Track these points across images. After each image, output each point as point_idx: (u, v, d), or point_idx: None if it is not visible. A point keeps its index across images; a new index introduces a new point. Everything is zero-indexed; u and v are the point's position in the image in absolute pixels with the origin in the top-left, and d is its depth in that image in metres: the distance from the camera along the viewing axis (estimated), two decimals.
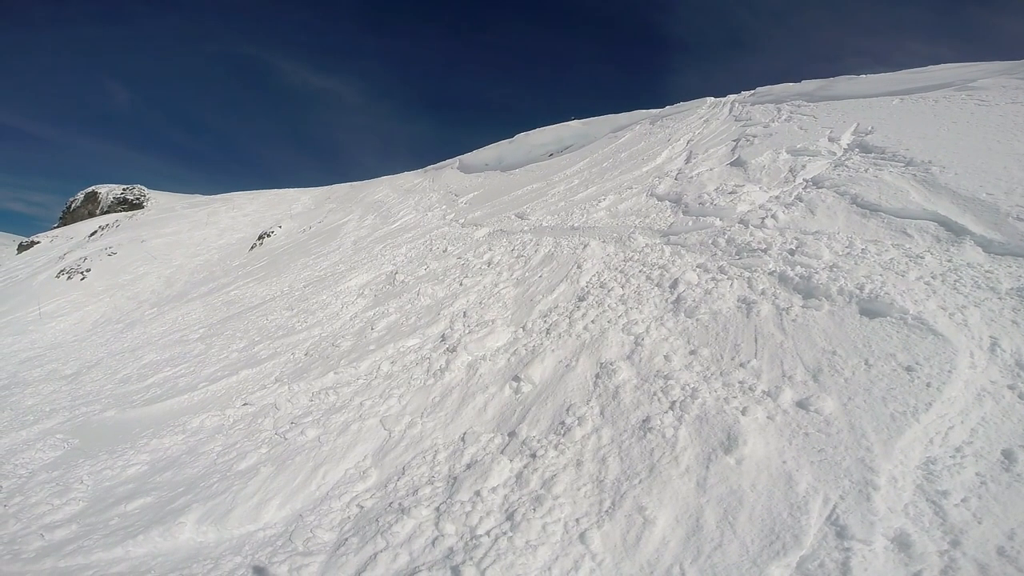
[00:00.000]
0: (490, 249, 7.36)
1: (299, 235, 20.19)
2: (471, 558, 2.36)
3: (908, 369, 2.54)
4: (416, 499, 2.92)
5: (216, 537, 3.28)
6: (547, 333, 4.24)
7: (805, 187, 5.23)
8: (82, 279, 23.07)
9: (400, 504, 2.92)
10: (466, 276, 6.57)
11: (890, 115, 6.93)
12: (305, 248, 15.76)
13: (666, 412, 2.82)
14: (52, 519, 3.98)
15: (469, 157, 24.60)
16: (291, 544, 2.94)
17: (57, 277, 23.91)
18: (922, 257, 3.49)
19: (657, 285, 4.30)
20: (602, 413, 3.05)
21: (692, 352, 3.29)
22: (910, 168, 4.82)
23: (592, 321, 4.10)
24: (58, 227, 39.39)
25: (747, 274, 3.92)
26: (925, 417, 2.27)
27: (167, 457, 4.57)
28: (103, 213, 39.31)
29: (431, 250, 8.87)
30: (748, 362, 2.99)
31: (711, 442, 2.52)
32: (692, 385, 2.98)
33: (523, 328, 4.54)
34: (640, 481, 2.45)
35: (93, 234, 31.62)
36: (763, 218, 4.74)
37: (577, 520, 2.39)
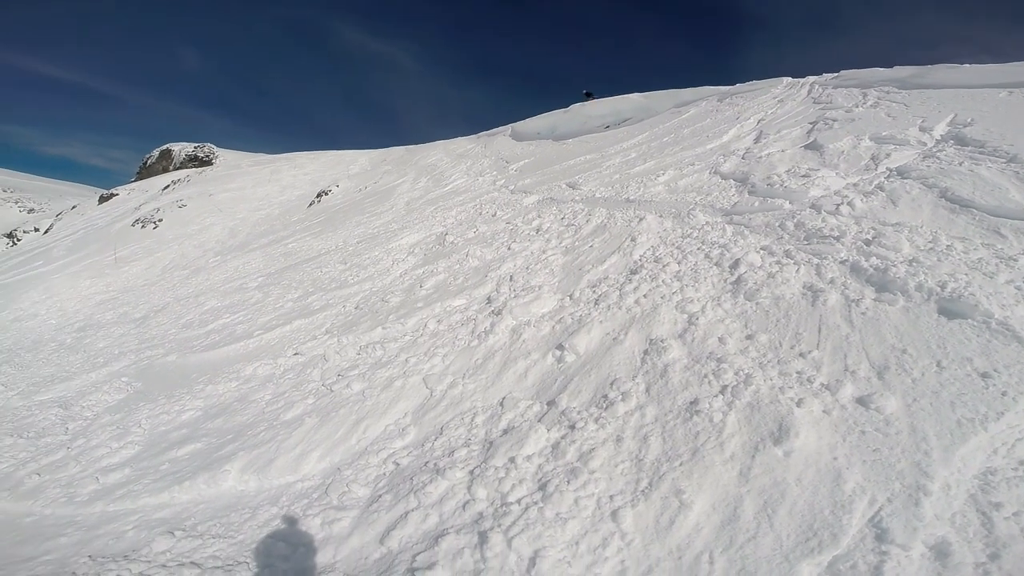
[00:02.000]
0: (539, 216, 7.29)
1: (355, 194, 20.74)
2: (499, 525, 2.37)
3: (984, 376, 2.36)
4: (451, 460, 2.96)
5: (257, 486, 3.44)
6: (595, 304, 4.14)
7: (888, 176, 4.80)
8: (155, 228, 24.82)
9: (435, 464, 2.98)
10: (514, 241, 6.56)
11: (995, 108, 6.18)
12: (360, 207, 16.19)
13: (716, 396, 2.69)
14: (108, 462, 4.31)
15: (521, 125, 24.32)
16: (326, 497, 3.05)
17: (132, 226, 25.84)
18: (1015, 260, 3.14)
19: (716, 264, 4.09)
20: (648, 391, 2.96)
21: (749, 337, 3.11)
22: (1012, 165, 4.31)
23: (644, 295, 3.95)
24: (135, 181, 42.31)
25: (816, 260, 3.65)
26: (994, 427, 2.13)
27: (220, 404, 4.84)
28: (176, 169, 41.83)
29: (480, 214, 8.93)
30: (809, 352, 2.81)
31: (760, 431, 2.40)
32: (746, 371, 2.82)
33: (570, 297, 4.45)
34: (681, 464, 2.37)
35: (166, 188, 33.77)
36: (838, 205, 4.40)
37: (611, 497, 2.35)
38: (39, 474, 4.35)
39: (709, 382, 2.83)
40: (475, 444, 3.07)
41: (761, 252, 4.03)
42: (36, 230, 34.36)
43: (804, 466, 2.17)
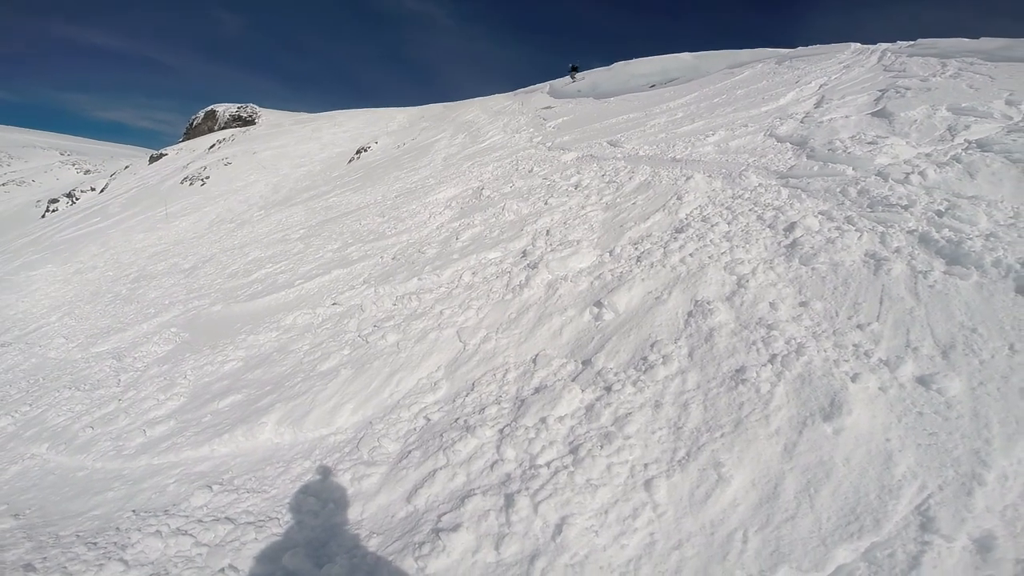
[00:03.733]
0: (578, 172, 7.08)
1: (393, 150, 20.92)
2: (527, 488, 2.33)
3: None
4: (481, 418, 2.93)
5: (291, 439, 3.53)
6: (637, 261, 3.97)
7: (966, 148, 4.36)
8: (202, 185, 25.80)
9: (465, 421, 2.96)
10: (551, 196, 6.41)
11: None
12: (398, 163, 16.34)
13: (764, 365, 2.53)
14: (155, 415, 4.51)
15: (560, 83, 23.63)
16: (357, 452, 3.09)
17: (181, 183, 26.96)
18: None
19: (769, 226, 3.84)
20: (691, 355, 2.81)
21: (803, 303, 2.90)
22: None
23: (690, 255, 3.76)
24: (182, 141, 43.74)
25: (880, 228, 3.35)
26: None
27: (260, 354, 5.00)
28: (220, 129, 42.85)
29: (517, 169, 8.81)
30: (868, 324, 2.59)
31: (810, 406, 2.25)
32: (798, 340, 2.63)
33: (610, 253, 4.29)
34: (722, 435, 2.25)
35: (212, 147, 34.83)
36: (908, 174, 4.04)
37: (645, 465, 2.25)
38: (92, 427, 4.61)
39: (758, 350, 2.66)
40: (506, 402, 3.03)
41: (820, 217, 3.74)
42: (93, 189, 36.16)
43: (854, 446, 2.03)
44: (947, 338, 2.38)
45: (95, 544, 2.95)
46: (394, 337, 4.25)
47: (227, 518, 2.87)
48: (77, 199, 35.02)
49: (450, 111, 28.31)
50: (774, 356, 2.58)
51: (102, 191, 34.77)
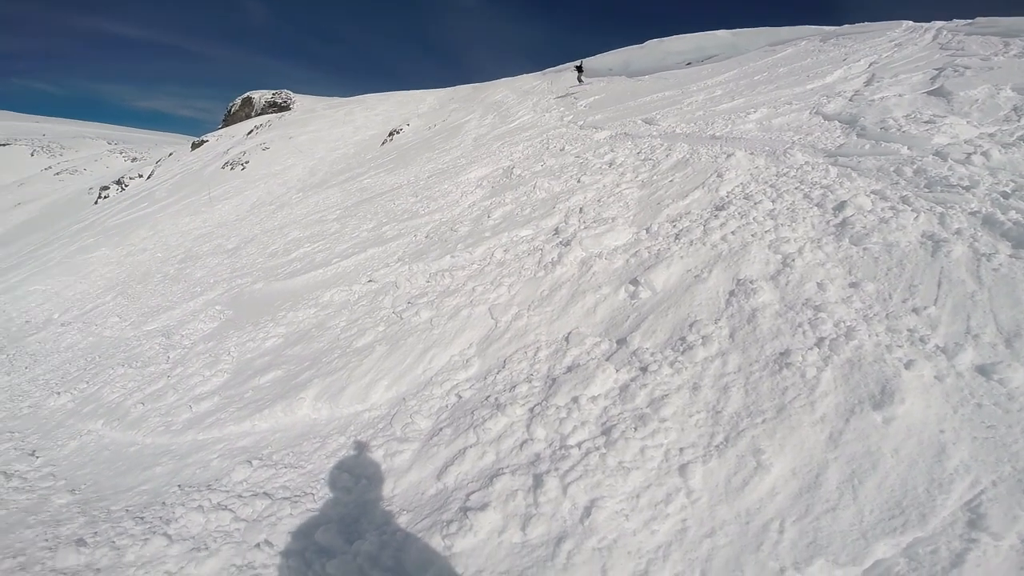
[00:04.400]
0: (612, 150, 6.94)
1: (425, 132, 21.13)
2: (556, 469, 2.29)
3: None
4: (512, 396, 2.91)
5: (328, 415, 3.60)
6: (675, 238, 3.85)
7: None
8: (242, 169, 26.61)
9: (496, 399, 2.94)
10: (584, 174, 6.30)
11: None
12: (430, 144, 16.48)
13: (811, 349, 2.40)
14: (201, 391, 4.70)
15: (591, 61, 23.13)
16: (390, 428, 3.13)
17: (223, 168, 27.89)
18: None
19: (817, 205, 3.66)
20: (732, 336, 2.70)
21: (853, 285, 2.75)
22: None
23: (732, 232, 3.61)
24: (221, 128, 45.04)
25: (939, 209, 3.14)
26: None
27: (299, 331, 5.14)
28: (257, 115, 43.98)
29: (548, 148, 8.72)
30: (924, 308, 2.42)
31: (859, 392, 2.12)
32: (848, 323, 2.49)
33: (647, 230, 4.18)
34: (763, 421, 2.15)
35: (250, 133, 35.79)
36: (969, 154, 3.78)
37: (681, 450, 2.18)
38: (143, 403, 4.84)
39: (804, 332, 2.52)
40: (537, 380, 3.00)
41: (872, 196, 3.53)
42: (140, 176, 37.78)
43: (904, 436, 1.91)
44: (1012, 325, 2.21)
45: (142, 519, 3.09)
46: (427, 314, 4.30)
47: (265, 493, 2.96)
48: (126, 186, 36.68)
49: (479, 92, 28.24)
50: (821, 339, 2.45)
51: (149, 177, 36.31)
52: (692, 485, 2.03)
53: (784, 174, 4.34)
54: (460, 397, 3.18)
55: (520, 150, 9.51)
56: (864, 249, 2.99)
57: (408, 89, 37.38)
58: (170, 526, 2.92)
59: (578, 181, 6.15)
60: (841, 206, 3.50)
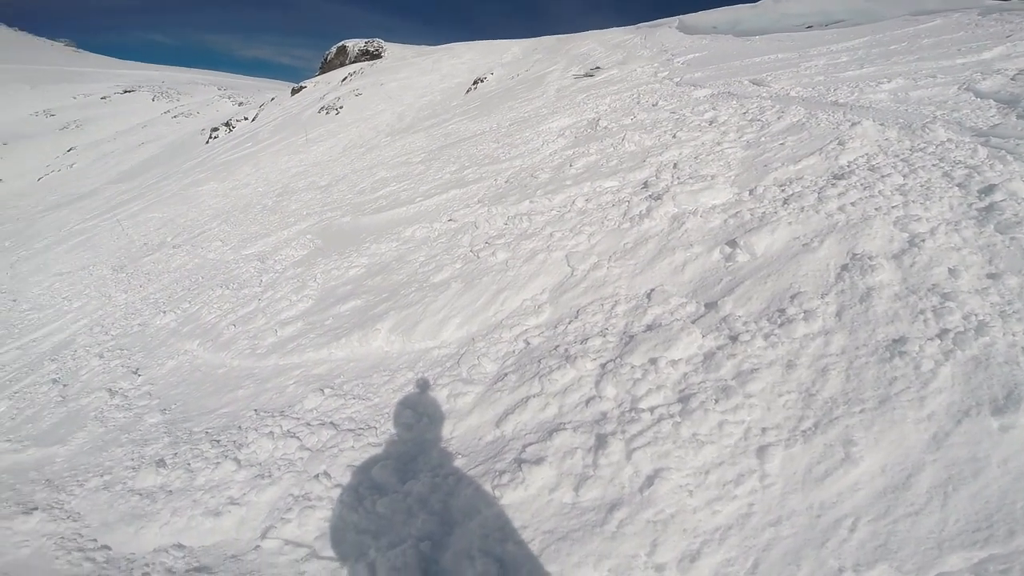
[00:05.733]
0: (713, 108, 6.38)
1: (508, 81, 21.11)
2: (623, 432, 2.16)
3: None
4: (583, 349, 2.78)
5: (400, 348, 3.65)
6: (783, 203, 3.46)
7: None
8: (336, 114, 27.83)
9: (566, 350, 2.83)
10: (680, 130, 5.86)
11: None
12: (512, 93, 16.46)
13: (931, 339, 2.06)
14: (287, 315, 4.90)
15: (693, 18, 21.38)
16: (457, 368, 3.11)
17: (319, 113, 29.33)
18: None
19: (959, 185, 3.10)
20: (839, 315, 2.38)
21: (992, 276, 2.30)
22: None
23: (852, 203, 3.16)
24: (318, 75, 46.94)
25: None
26: None
27: (380, 262, 5.29)
28: (351, 63, 45.34)
29: (639, 103, 8.25)
30: None
31: (979, 394, 1.81)
32: (980, 316, 2.10)
33: (750, 192, 3.80)
34: (862, 411, 1.90)
35: (344, 79, 37.15)
36: None
37: (763, 430, 1.98)
38: (235, 325, 5.13)
39: (925, 320, 2.17)
40: (612, 335, 2.84)
41: None
42: (246, 119, 40.43)
43: (1019, 448, 1.64)
44: None
45: (218, 442, 3.26)
46: (504, 255, 4.26)
47: (332, 423, 3.04)
48: (233, 127, 39.52)
49: (564, 43, 27.45)
50: (945, 331, 2.10)
51: (253, 120, 38.86)
52: (768, 469, 1.85)
53: (920, 149, 3.73)
54: (528, 344, 3.10)
55: (607, 103, 9.09)
56: (1012, 239, 2.48)
57: (493, 39, 36.98)
58: (241, 451, 3.06)
59: (673, 136, 5.73)
60: (989, 189, 2.93)
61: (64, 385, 5.15)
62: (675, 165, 4.82)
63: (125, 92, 76.22)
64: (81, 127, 63.31)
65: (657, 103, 7.72)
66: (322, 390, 3.39)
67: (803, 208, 3.28)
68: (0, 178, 49.55)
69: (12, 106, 72.62)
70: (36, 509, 3.10)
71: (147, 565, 2.50)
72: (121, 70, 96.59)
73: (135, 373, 4.89)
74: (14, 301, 10.12)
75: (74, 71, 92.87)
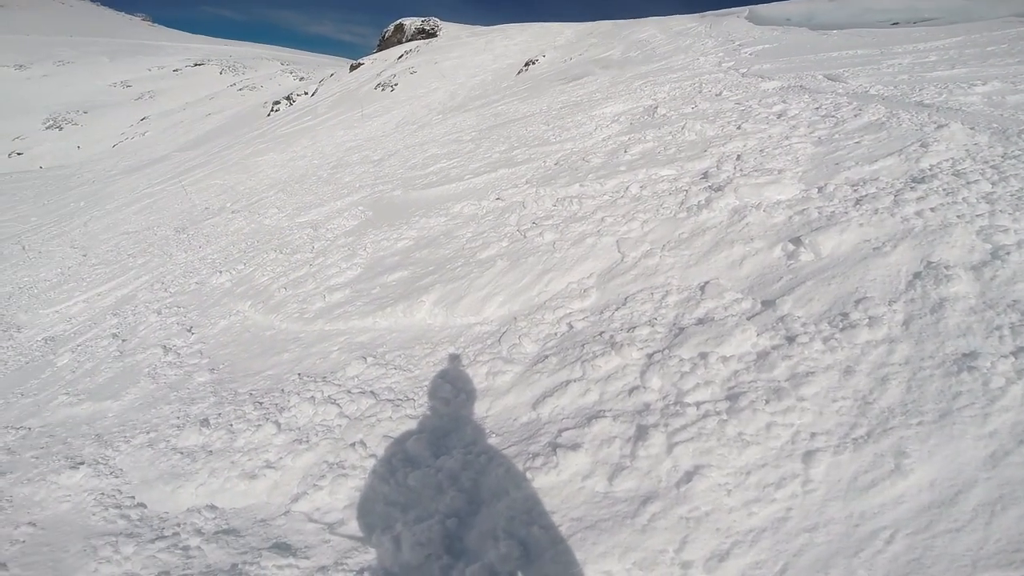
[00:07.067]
0: (783, 102, 6.06)
1: (560, 64, 20.94)
2: (665, 425, 2.11)
3: None
4: (630, 337, 2.73)
5: (443, 322, 3.67)
6: (856, 203, 3.27)
7: None
8: (391, 91, 28.35)
9: (611, 337, 2.78)
10: (745, 121, 5.62)
11: None
12: (564, 75, 16.31)
13: (1005, 356, 1.92)
14: (335, 282, 4.97)
15: (765, 8, 20.43)
16: (498, 346, 3.11)
17: (375, 89, 29.95)
18: None
19: None
20: (906, 324, 2.25)
21: None
22: None
23: (931, 209, 2.96)
24: (376, 52, 47.90)
25: None
26: None
27: (428, 236, 5.36)
28: (407, 41, 45.92)
29: (700, 92, 7.94)
30: None
31: None
32: None
33: (819, 189, 3.62)
34: (919, 423, 1.81)
35: (400, 57, 37.70)
36: None
37: (812, 435, 1.91)
38: (285, 288, 5.24)
39: (1001, 337, 2.03)
40: (661, 326, 2.78)
41: None
42: (305, 94, 41.71)
43: None
44: None
45: (261, 404, 3.31)
46: (551, 236, 4.22)
47: (371, 392, 3.08)
48: (294, 101, 40.84)
49: (621, 29, 26.73)
50: (1021, 349, 1.95)
51: (312, 95, 40.03)
52: (812, 475, 1.79)
53: (1014, 156, 3.42)
54: (571, 327, 3.07)
55: (666, 91, 8.82)
56: None
57: (547, 21, 36.66)
58: (282, 414, 3.10)
59: (738, 128, 5.50)
60: None
61: (123, 340, 5.36)
62: (738, 157, 4.63)
63: (196, 65, 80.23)
64: (154, 97, 67.28)
65: (721, 93, 7.43)
66: (364, 358, 3.44)
67: (877, 210, 3.09)
68: (79, 145, 53.36)
69: (93, 77, 77.82)
70: (83, 464, 3.17)
71: (178, 525, 2.55)
72: (192, 44, 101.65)
73: (189, 331, 5.02)
74: (84, 256, 10.90)
75: (149, 44, 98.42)
